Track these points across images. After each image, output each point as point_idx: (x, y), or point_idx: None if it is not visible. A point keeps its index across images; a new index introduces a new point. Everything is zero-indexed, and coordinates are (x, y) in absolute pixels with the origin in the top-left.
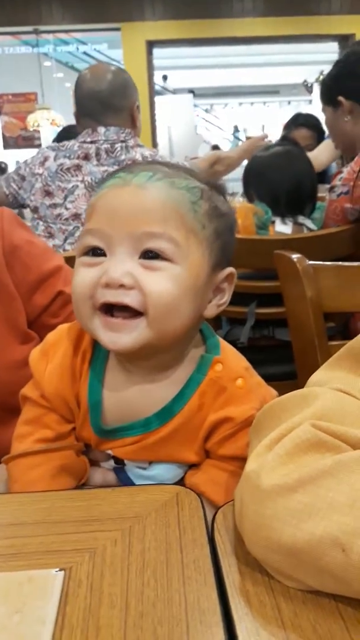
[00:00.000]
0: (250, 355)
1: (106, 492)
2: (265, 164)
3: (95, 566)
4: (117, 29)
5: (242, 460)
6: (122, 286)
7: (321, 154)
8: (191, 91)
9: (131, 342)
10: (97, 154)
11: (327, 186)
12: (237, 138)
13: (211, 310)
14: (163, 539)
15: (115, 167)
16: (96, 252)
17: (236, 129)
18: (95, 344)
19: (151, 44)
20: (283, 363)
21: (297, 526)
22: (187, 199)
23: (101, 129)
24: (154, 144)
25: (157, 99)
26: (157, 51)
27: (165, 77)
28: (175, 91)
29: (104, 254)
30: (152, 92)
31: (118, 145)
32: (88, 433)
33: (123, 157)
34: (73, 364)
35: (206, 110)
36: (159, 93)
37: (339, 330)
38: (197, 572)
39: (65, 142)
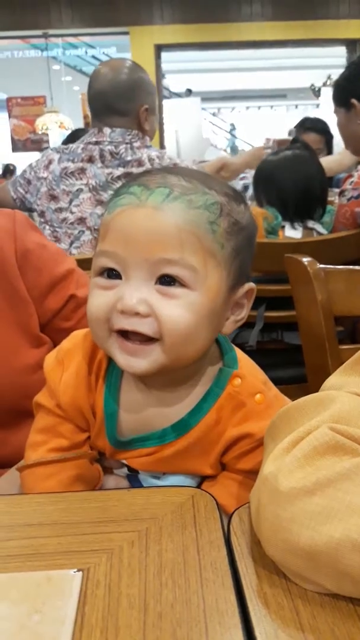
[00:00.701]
0: (259, 358)
1: (122, 493)
2: (275, 168)
3: (113, 567)
4: (126, 33)
5: None
6: (137, 314)
7: (345, 157)
8: (189, 90)
9: (147, 366)
10: (102, 156)
11: (337, 190)
12: (234, 136)
13: (229, 327)
14: (180, 541)
15: (121, 169)
16: (111, 273)
17: (233, 127)
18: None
19: (159, 48)
20: (292, 367)
21: (316, 529)
22: (205, 219)
23: (107, 130)
24: (162, 147)
25: (165, 102)
26: (165, 55)
27: (162, 76)
28: (179, 94)
29: (119, 276)
30: (161, 96)
31: (122, 147)
32: (103, 443)
33: (129, 157)
34: (89, 374)
35: (213, 114)
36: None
37: (348, 334)
38: (215, 574)
39: (70, 145)
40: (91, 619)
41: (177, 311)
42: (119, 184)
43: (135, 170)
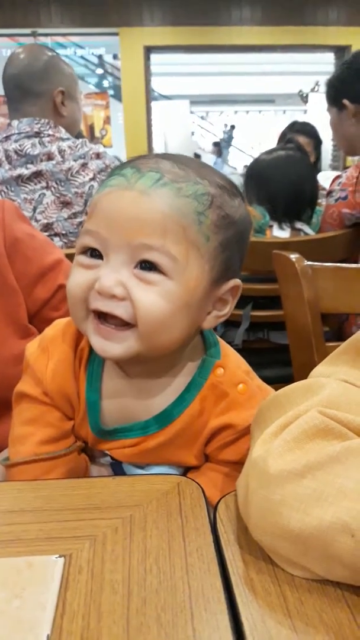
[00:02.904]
0: (245, 357)
1: (107, 480)
2: (266, 167)
3: (96, 553)
4: (115, 34)
5: (243, 464)
6: (113, 296)
7: None
8: (148, 52)
9: (120, 352)
10: (7, 157)
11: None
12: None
13: (210, 322)
14: (165, 528)
15: (30, 167)
16: (94, 253)
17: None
18: None
19: (149, 50)
20: (277, 366)
21: (306, 512)
22: (193, 209)
23: (15, 122)
24: (150, 149)
25: (153, 104)
26: (154, 57)
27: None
28: (170, 97)
29: (101, 256)
30: (149, 98)
31: (28, 143)
32: (86, 432)
33: (36, 152)
34: (73, 361)
35: (202, 118)
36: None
37: (334, 334)
38: (201, 560)
39: None
40: (73, 605)
41: (152, 297)
42: (30, 185)
43: (44, 165)
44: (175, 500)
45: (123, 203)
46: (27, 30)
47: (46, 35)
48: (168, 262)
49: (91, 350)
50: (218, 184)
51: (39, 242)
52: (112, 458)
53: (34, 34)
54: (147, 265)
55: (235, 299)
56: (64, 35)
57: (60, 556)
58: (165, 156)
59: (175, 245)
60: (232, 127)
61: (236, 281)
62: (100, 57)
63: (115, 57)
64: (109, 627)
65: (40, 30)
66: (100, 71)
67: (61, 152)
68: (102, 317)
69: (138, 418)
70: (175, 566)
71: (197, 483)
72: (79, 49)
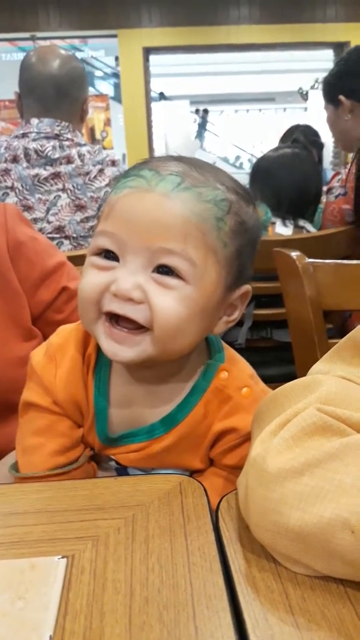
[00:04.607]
0: (248, 356)
1: (109, 481)
2: (273, 164)
3: (99, 553)
4: (114, 36)
5: None
6: (130, 299)
7: None
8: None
9: (133, 356)
10: (26, 155)
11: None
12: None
13: (220, 327)
14: (167, 527)
15: (49, 169)
16: (109, 255)
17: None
18: (100, 349)
19: (148, 51)
20: (281, 364)
21: (305, 509)
22: (213, 214)
23: (34, 121)
24: (150, 150)
25: (153, 105)
26: (153, 58)
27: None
28: (171, 98)
29: (116, 258)
30: (149, 99)
31: (49, 145)
32: (93, 438)
33: (57, 155)
34: (82, 368)
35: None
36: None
37: (337, 331)
38: (203, 558)
39: None
40: (75, 605)
41: (170, 302)
42: (47, 186)
43: (64, 168)
44: (177, 500)
45: (143, 206)
46: (26, 34)
47: (45, 39)
48: (187, 267)
49: (99, 356)
50: (234, 190)
51: (42, 245)
52: (117, 463)
53: (32, 38)
54: (165, 270)
55: (244, 305)
56: (62, 38)
57: (62, 557)
58: (181, 159)
59: (195, 250)
60: (205, 111)
61: (247, 287)
62: (98, 59)
63: (114, 59)
64: (112, 626)
65: (39, 34)
66: (99, 73)
67: (81, 156)
68: (114, 319)
69: (144, 422)
70: (178, 565)
71: (199, 482)
72: (78, 52)
